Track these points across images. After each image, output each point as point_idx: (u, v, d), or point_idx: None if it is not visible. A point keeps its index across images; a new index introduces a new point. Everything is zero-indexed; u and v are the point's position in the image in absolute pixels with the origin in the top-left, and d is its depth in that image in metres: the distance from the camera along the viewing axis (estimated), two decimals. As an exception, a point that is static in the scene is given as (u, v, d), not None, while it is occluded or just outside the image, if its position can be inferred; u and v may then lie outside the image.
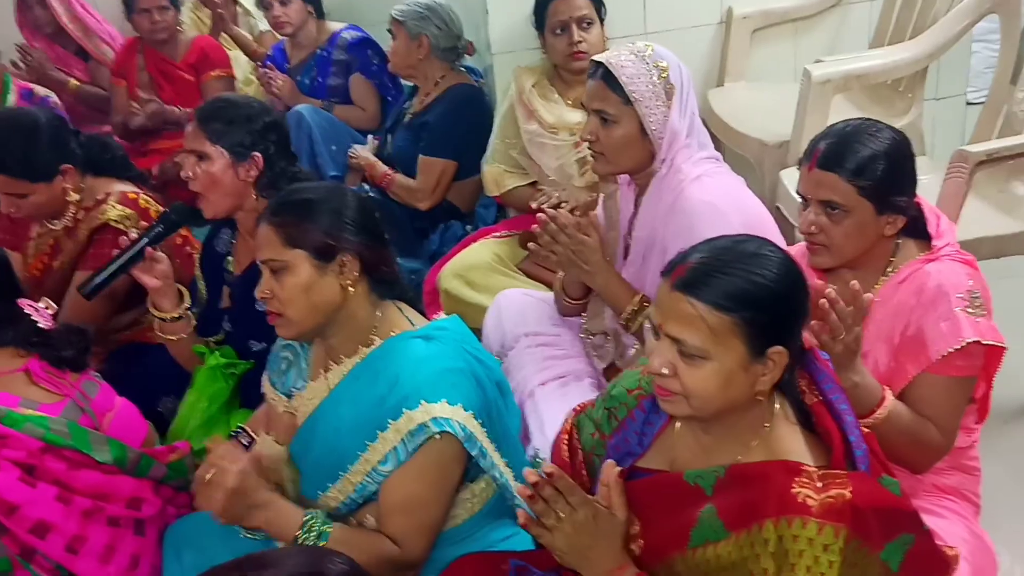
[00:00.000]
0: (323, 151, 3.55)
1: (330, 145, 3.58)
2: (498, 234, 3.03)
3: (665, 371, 1.37)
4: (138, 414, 2.10)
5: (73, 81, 4.20)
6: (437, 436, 1.65)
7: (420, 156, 3.25)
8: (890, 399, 1.74)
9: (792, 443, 1.41)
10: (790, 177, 2.71)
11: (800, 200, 1.86)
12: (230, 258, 2.39)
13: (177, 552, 1.90)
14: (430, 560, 1.74)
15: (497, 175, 3.09)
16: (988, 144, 2.57)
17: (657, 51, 2.07)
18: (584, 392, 2.23)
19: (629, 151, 2.09)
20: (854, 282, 1.64)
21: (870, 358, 1.81)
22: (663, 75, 2.04)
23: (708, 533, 1.38)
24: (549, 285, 2.57)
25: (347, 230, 1.71)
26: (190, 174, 2.21)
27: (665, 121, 2.05)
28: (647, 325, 2.06)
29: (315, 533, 1.64)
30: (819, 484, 1.32)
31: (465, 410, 1.67)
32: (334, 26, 3.96)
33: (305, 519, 1.66)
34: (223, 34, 4.46)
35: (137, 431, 2.07)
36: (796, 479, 1.34)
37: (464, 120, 3.25)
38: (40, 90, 3.69)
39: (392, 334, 1.75)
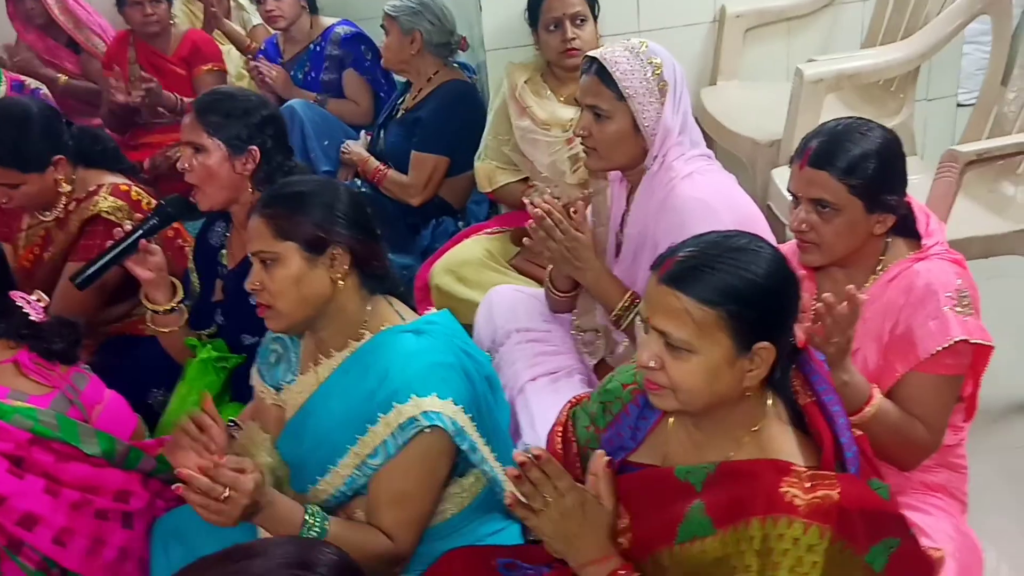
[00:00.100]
0: (315, 146, 3.54)
1: (322, 140, 3.57)
2: (490, 230, 3.02)
3: (652, 364, 1.37)
4: (127, 407, 2.10)
5: (63, 77, 4.17)
6: (427, 430, 1.65)
7: (412, 152, 3.25)
8: (878, 397, 1.74)
9: (783, 442, 1.41)
10: (782, 176, 2.71)
11: (791, 198, 1.87)
12: (224, 251, 2.39)
13: (165, 545, 1.89)
14: (418, 554, 1.74)
15: (489, 171, 3.09)
16: (978, 144, 2.58)
17: (651, 47, 2.07)
18: (574, 388, 2.23)
19: (622, 147, 2.09)
20: (850, 286, 1.64)
21: (859, 356, 1.81)
22: (657, 72, 2.05)
23: (695, 529, 1.39)
24: (540, 281, 2.57)
25: (338, 223, 1.71)
26: (187, 166, 2.21)
27: (658, 118, 2.05)
28: (638, 322, 2.06)
29: (316, 532, 1.62)
30: (807, 484, 1.33)
31: (455, 404, 1.67)
32: (327, 21, 3.96)
33: (305, 519, 1.63)
34: (215, 30, 4.45)
35: (126, 424, 2.06)
36: (785, 478, 1.34)
37: (457, 116, 3.24)
38: (31, 81, 3.66)
39: (382, 328, 1.75)
